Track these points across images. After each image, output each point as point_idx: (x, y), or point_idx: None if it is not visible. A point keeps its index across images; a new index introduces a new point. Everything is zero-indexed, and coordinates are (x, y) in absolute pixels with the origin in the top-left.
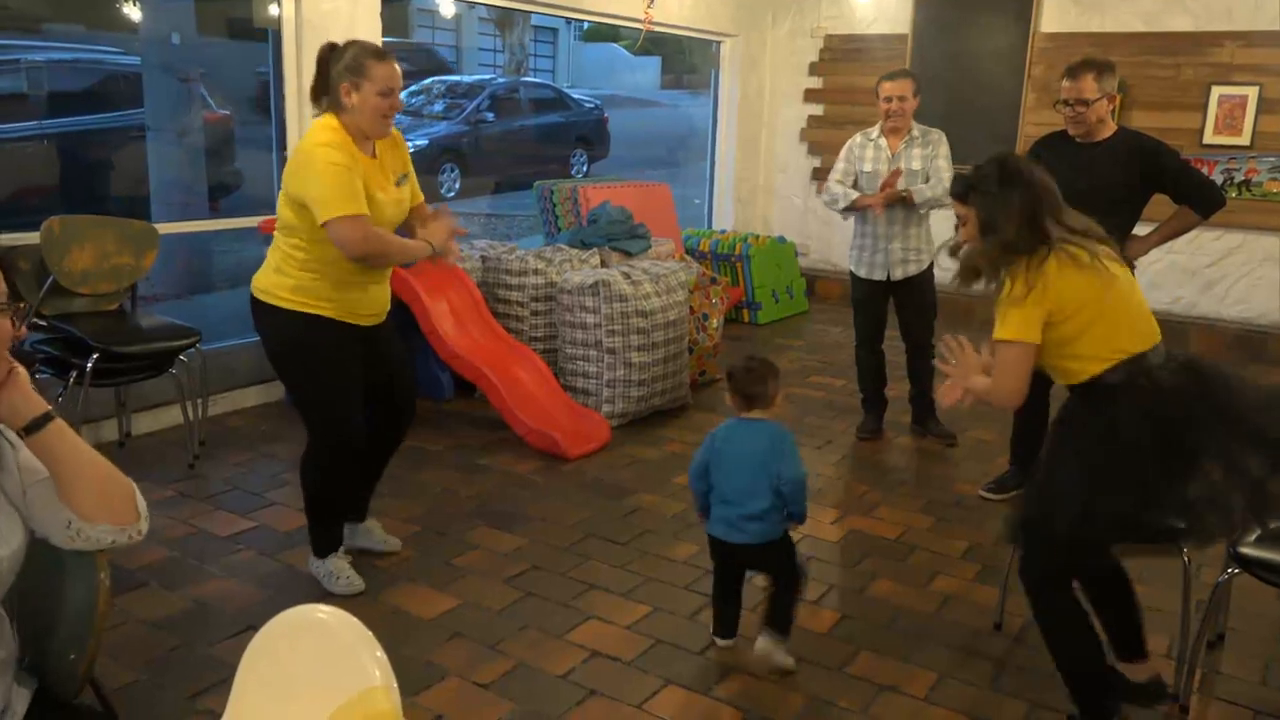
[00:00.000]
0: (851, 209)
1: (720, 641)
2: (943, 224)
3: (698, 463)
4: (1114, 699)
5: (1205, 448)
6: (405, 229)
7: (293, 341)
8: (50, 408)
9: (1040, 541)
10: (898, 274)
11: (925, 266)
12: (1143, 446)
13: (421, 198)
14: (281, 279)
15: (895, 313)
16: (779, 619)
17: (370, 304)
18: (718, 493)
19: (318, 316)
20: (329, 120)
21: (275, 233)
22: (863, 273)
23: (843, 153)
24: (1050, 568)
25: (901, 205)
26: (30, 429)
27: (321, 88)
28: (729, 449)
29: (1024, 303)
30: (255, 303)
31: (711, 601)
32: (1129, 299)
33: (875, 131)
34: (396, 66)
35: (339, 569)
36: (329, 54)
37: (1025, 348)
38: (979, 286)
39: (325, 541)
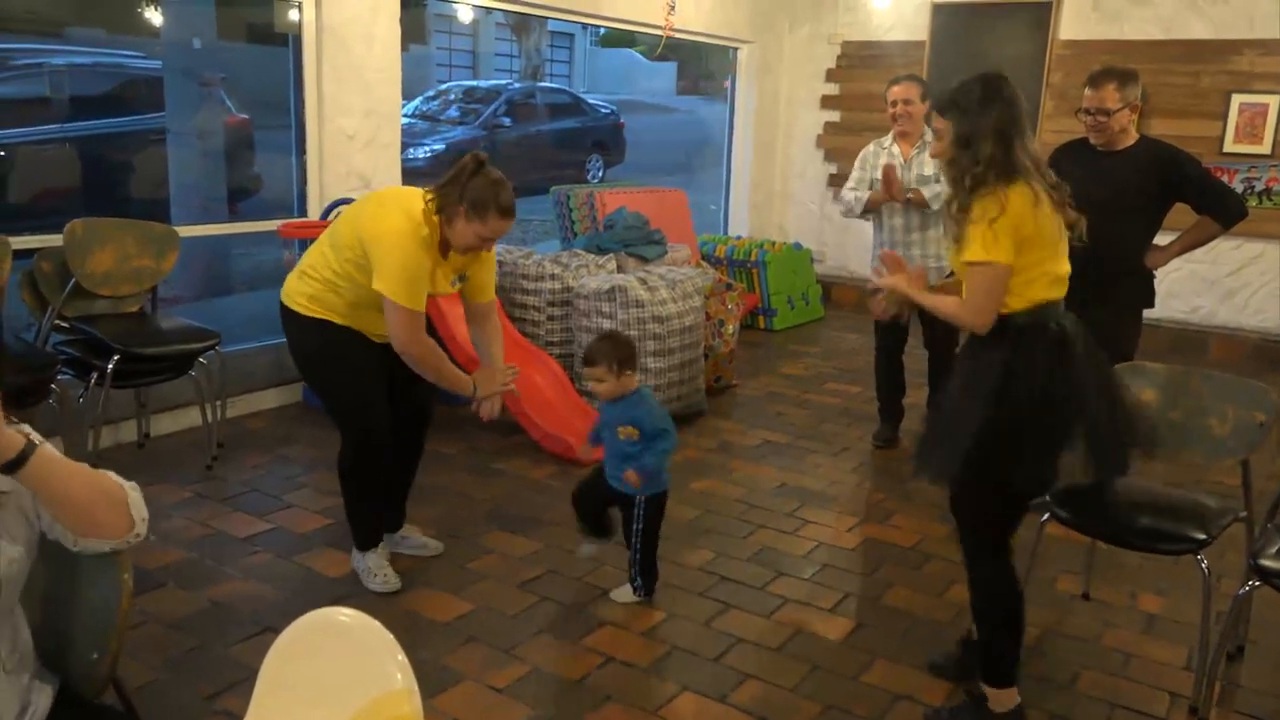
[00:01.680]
0: (867, 210)
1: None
2: None
3: (665, 421)
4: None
5: (1084, 407)
6: (474, 326)
7: (312, 346)
8: (29, 438)
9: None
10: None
11: (945, 275)
12: (1037, 394)
13: (491, 296)
14: (302, 285)
15: (919, 321)
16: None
17: (378, 325)
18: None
19: (332, 323)
20: (431, 209)
21: (319, 246)
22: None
23: (857, 161)
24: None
25: (918, 212)
26: (10, 468)
27: (449, 191)
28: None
29: (997, 224)
30: (281, 307)
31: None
32: (1062, 248)
33: (888, 139)
34: (510, 223)
35: (376, 566)
36: (474, 169)
37: (998, 268)
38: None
39: (364, 536)
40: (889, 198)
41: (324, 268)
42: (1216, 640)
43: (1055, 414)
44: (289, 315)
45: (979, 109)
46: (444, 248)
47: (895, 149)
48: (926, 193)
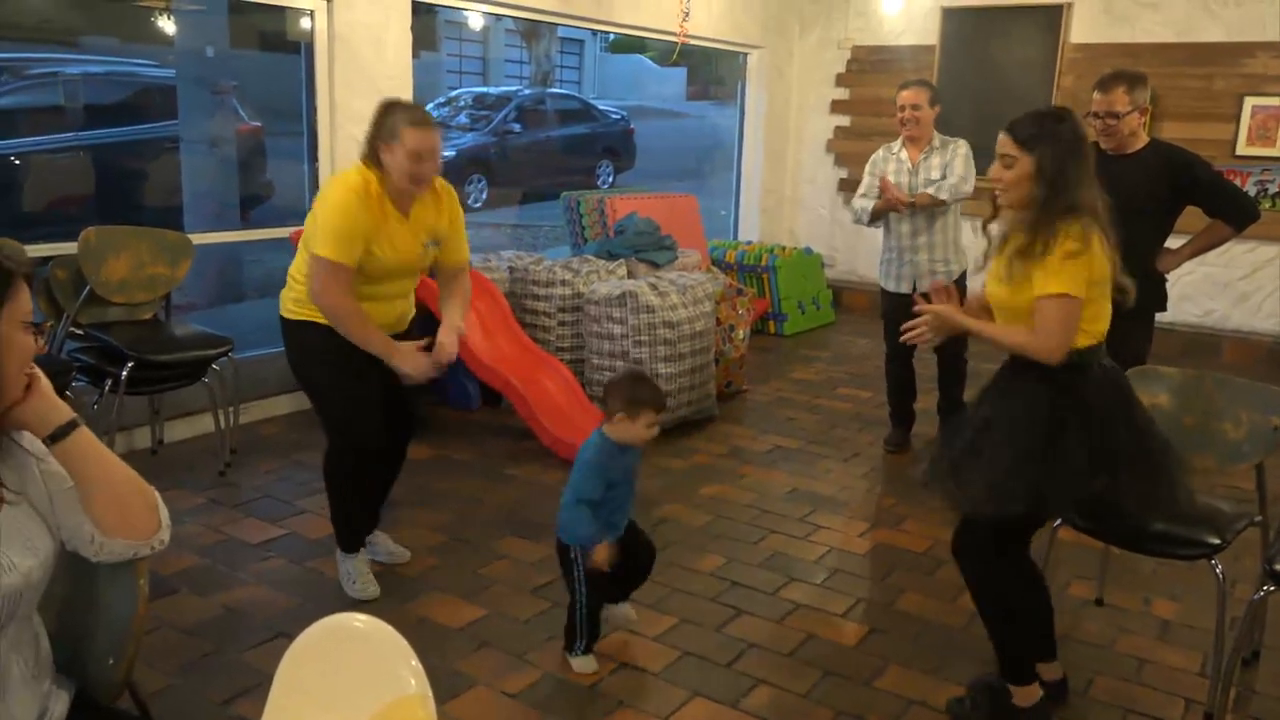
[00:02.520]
0: (875, 218)
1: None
2: (974, 235)
3: (600, 479)
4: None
5: (1122, 444)
6: (441, 287)
7: (302, 349)
8: (75, 415)
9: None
10: (926, 285)
11: (955, 277)
12: (1094, 432)
13: (463, 258)
14: (290, 292)
15: None
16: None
17: (377, 318)
18: (614, 503)
19: (319, 325)
20: (366, 170)
21: (300, 250)
22: (891, 286)
23: (867, 166)
24: (994, 543)
25: (925, 215)
26: (56, 436)
27: (370, 143)
28: (623, 464)
29: (1077, 260)
30: (279, 316)
31: (589, 625)
32: (1109, 293)
33: (896, 145)
34: (433, 133)
35: (356, 571)
36: (381, 113)
37: (1075, 303)
38: (1004, 230)
39: (348, 539)
40: (892, 208)
41: (303, 268)
42: (1231, 646)
43: (1105, 449)
44: (282, 324)
45: (1064, 145)
46: (403, 204)
47: (903, 154)
48: (936, 193)
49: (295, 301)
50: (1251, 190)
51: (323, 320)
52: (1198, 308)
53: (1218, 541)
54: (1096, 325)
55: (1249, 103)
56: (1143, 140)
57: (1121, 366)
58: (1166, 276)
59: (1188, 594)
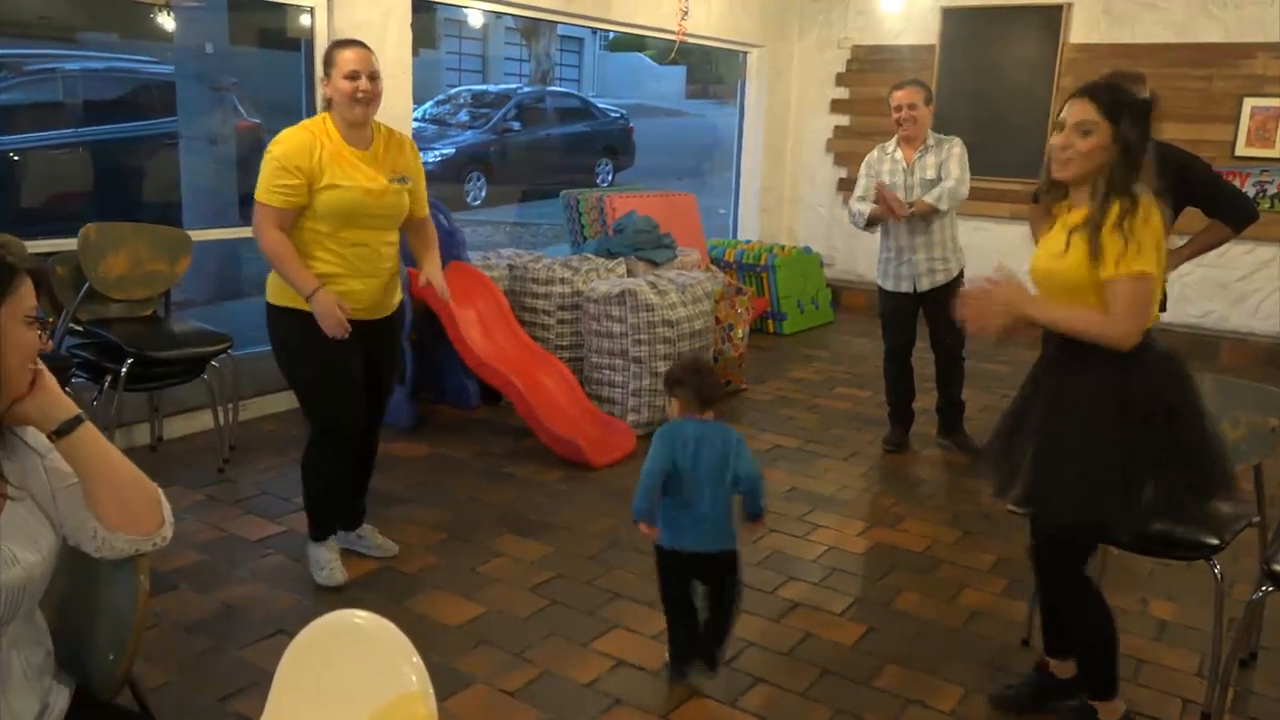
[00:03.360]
0: (871, 222)
1: (684, 678)
2: (997, 235)
3: (659, 469)
4: (1046, 696)
5: (1197, 421)
6: (407, 245)
7: (282, 337)
8: (80, 411)
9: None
10: (925, 284)
11: (954, 275)
12: (1160, 411)
13: (424, 213)
14: (273, 277)
15: (925, 324)
16: (712, 649)
17: (352, 298)
18: (680, 499)
19: (302, 311)
20: (317, 115)
21: None
22: (889, 286)
23: (862, 169)
24: (1073, 549)
25: (923, 216)
26: (61, 431)
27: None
28: (689, 451)
29: (1152, 237)
30: (266, 304)
31: (669, 631)
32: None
33: (891, 145)
34: (363, 51)
35: (326, 559)
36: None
37: (1153, 281)
38: (1073, 198)
39: (320, 526)
40: (888, 214)
41: None
42: (1229, 646)
43: (1174, 429)
44: (267, 308)
45: (1141, 114)
46: (360, 139)
47: (898, 154)
48: (929, 197)
49: (276, 286)
50: (1250, 191)
51: (298, 305)
52: (1196, 308)
53: (1216, 542)
54: (1155, 305)
55: (1248, 104)
56: None
57: None
58: (1166, 277)
59: (1186, 595)
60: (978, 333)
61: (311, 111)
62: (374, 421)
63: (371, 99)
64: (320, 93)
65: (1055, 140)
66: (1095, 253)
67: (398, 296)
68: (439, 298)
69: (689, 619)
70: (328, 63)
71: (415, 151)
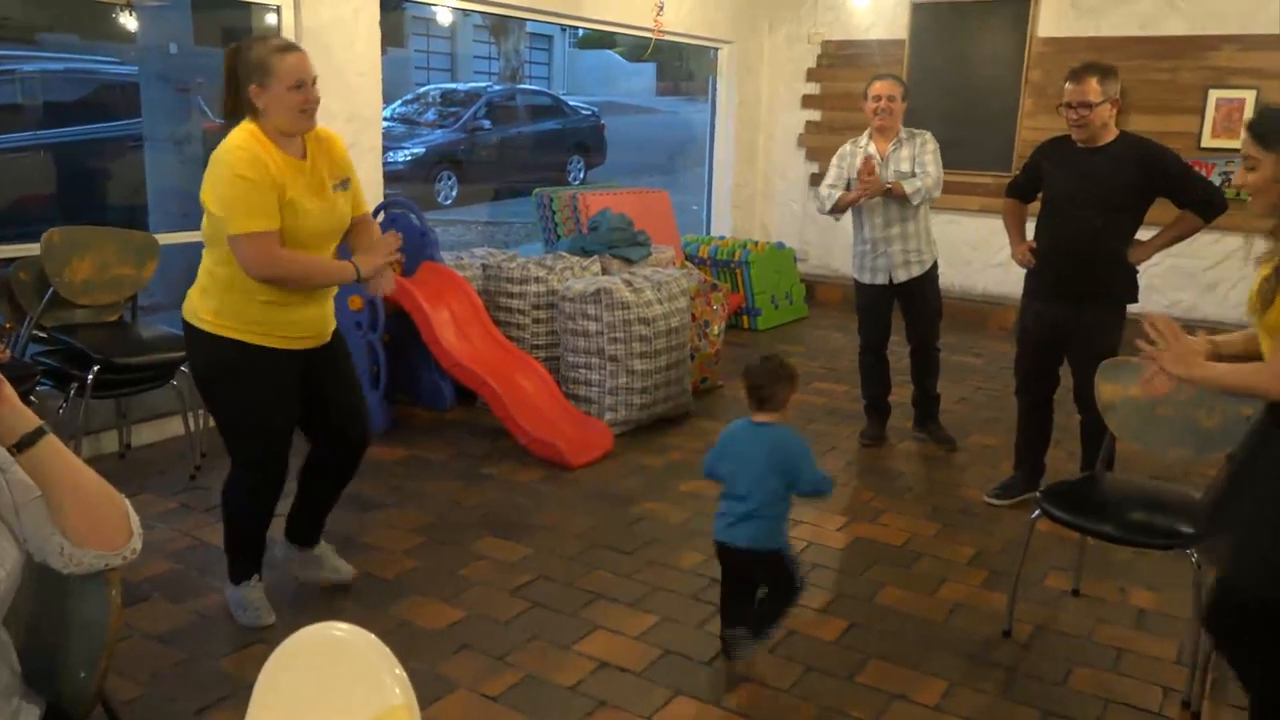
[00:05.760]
0: (838, 207)
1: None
2: (969, 228)
3: (709, 458)
4: None
5: None
6: (347, 245)
7: (215, 366)
8: (43, 423)
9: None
10: (900, 276)
11: (928, 267)
12: None
13: (365, 210)
14: (205, 300)
15: (899, 316)
16: (759, 620)
17: (303, 326)
18: (726, 489)
19: (241, 342)
20: (245, 125)
21: (204, 251)
22: (865, 278)
23: (834, 160)
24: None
25: (897, 206)
26: (22, 445)
27: (232, 95)
28: (732, 449)
29: None
30: (184, 324)
31: (721, 617)
32: None
33: (864, 138)
34: (303, 55)
35: (248, 600)
36: (234, 58)
37: None
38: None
39: (241, 569)
40: (863, 195)
41: (215, 268)
42: (1208, 634)
43: None
44: (192, 332)
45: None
46: (294, 148)
47: (871, 147)
48: (908, 186)
49: (213, 313)
50: (1216, 181)
51: (245, 336)
52: (1166, 298)
53: (1193, 531)
54: None
55: (1213, 95)
56: (1113, 133)
57: (1095, 358)
58: (1138, 268)
59: (1164, 583)
60: (1149, 394)
61: None
62: (355, 452)
63: (317, 109)
64: (252, 102)
65: (1235, 178)
66: (1269, 297)
67: (330, 313)
68: (412, 298)
69: (734, 608)
70: (261, 70)
71: (343, 146)
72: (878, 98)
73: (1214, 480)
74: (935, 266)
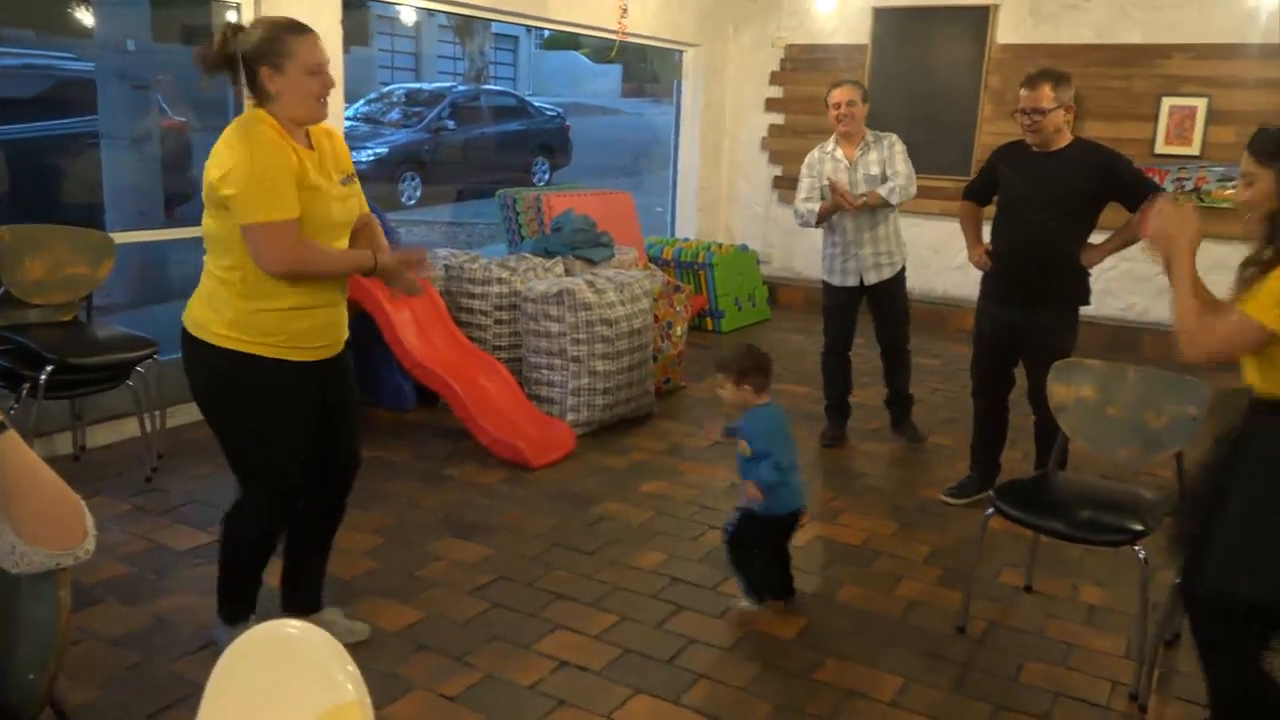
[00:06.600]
0: (821, 217)
1: (755, 606)
2: (928, 231)
3: (763, 444)
4: None
5: None
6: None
7: (229, 385)
8: (4, 418)
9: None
10: (871, 278)
11: (898, 270)
12: None
13: (366, 208)
14: (215, 311)
15: (869, 318)
16: (790, 584)
17: (325, 333)
18: (786, 466)
19: (260, 357)
20: (254, 111)
21: (206, 258)
22: (835, 280)
23: (803, 170)
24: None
25: (868, 211)
26: None
27: (222, 66)
28: (785, 428)
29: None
30: (186, 336)
31: (750, 575)
32: None
33: (830, 144)
34: (318, 37)
35: None
36: (232, 37)
37: (1264, 335)
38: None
39: (238, 608)
40: (841, 208)
41: (226, 275)
42: (1154, 629)
43: None
44: (199, 346)
45: None
46: (301, 137)
47: (839, 152)
48: (883, 190)
49: (227, 325)
50: (1169, 187)
51: (264, 350)
52: (1119, 301)
53: (1140, 528)
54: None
55: (1166, 103)
56: (1067, 138)
57: (1049, 360)
58: (1090, 271)
59: (1113, 580)
60: (1152, 243)
61: (238, 109)
62: (354, 462)
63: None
64: (263, 86)
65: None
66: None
67: (346, 317)
68: (373, 298)
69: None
70: (278, 52)
71: (341, 138)
72: (838, 104)
73: (1186, 484)
74: (904, 269)
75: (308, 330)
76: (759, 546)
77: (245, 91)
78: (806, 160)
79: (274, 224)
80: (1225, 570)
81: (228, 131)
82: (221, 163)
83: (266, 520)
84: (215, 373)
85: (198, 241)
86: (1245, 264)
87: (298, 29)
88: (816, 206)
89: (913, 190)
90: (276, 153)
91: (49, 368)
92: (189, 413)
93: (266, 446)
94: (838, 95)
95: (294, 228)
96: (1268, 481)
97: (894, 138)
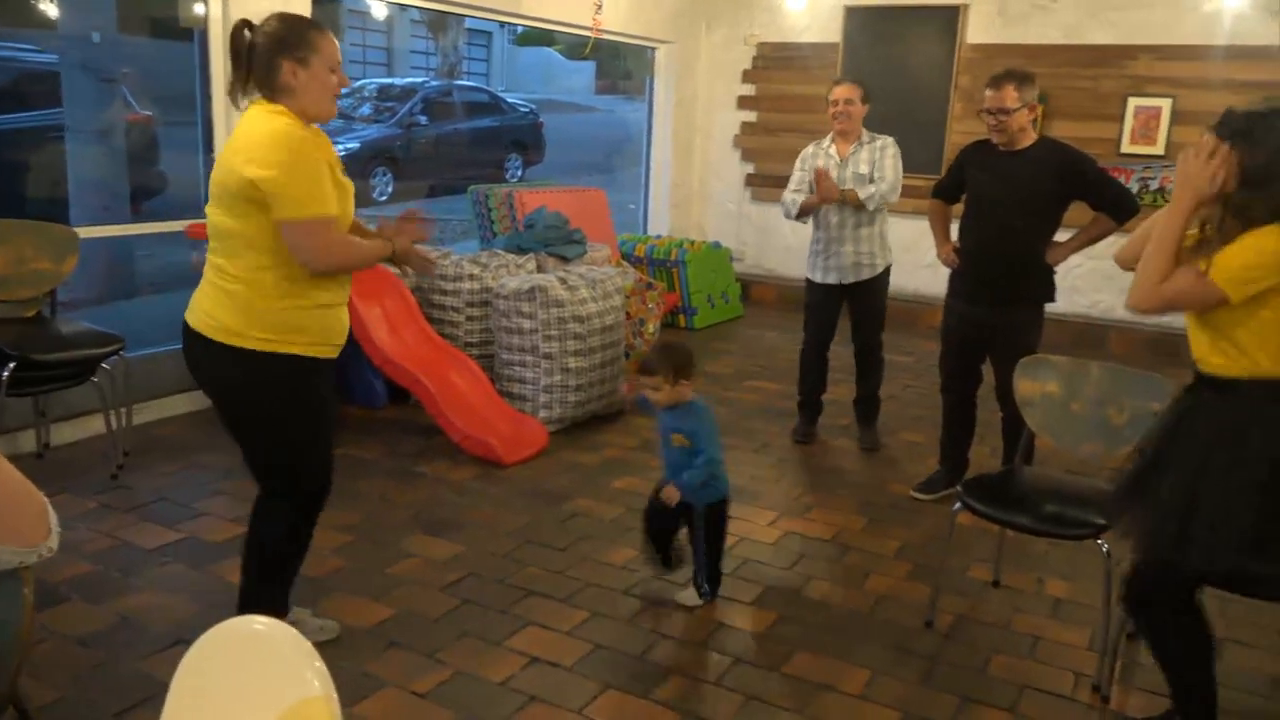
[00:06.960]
0: (804, 211)
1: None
2: (900, 230)
3: (709, 441)
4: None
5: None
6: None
7: (271, 385)
8: None
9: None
10: (850, 278)
11: (879, 272)
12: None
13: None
14: (246, 317)
15: (847, 313)
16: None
17: (345, 329)
18: (720, 459)
19: (299, 357)
20: (270, 106)
21: (219, 259)
22: (818, 277)
23: (797, 162)
24: (1175, 592)
25: (853, 210)
26: None
27: (249, 72)
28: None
29: (1266, 267)
30: (208, 343)
31: (666, 549)
32: None
33: (826, 140)
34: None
35: (312, 624)
36: (248, 33)
37: (1218, 296)
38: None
39: (276, 608)
40: (823, 200)
41: (259, 276)
42: (1117, 621)
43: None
44: (227, 354)
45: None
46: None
47: (832, 149)
48: (862, 193)
49: (269, 328)
50: (1134, 187)
51: (304, 350)
52: (1085, 299)
53: (1104, 522)
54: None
55: (1132, 103)
56: (1032, 137)
57: (1015, 356)
58: (1055, 268)
59: (1078, 574)
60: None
61: (207, 103)
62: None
63: None
64: (284, 79)
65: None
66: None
67: None
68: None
69: (662, 547)
70: (305, 45)
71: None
72: (836, 101)
73: (1126, 466)
74: (887, 271)
75: (335, 326)
76: (717, 535)
77: (240, 87)
78: (801, 154)
79: (319, 219)
80: (1158, 538)
81: (256, 128)
82: (264, 159)
83: (294, 524)
84: (254, 376)
85: (165, 237)
86: (1194, 233)
87: (318, 25)
88: (801, 199)
89: (894, 198)
90: (315, 149)
91: (11, 364)
92: (157, 410)
93: (311, 451)
94: (837, 93)
95: (334, 223)
96: (1203, 456)
97: (889, 141)
